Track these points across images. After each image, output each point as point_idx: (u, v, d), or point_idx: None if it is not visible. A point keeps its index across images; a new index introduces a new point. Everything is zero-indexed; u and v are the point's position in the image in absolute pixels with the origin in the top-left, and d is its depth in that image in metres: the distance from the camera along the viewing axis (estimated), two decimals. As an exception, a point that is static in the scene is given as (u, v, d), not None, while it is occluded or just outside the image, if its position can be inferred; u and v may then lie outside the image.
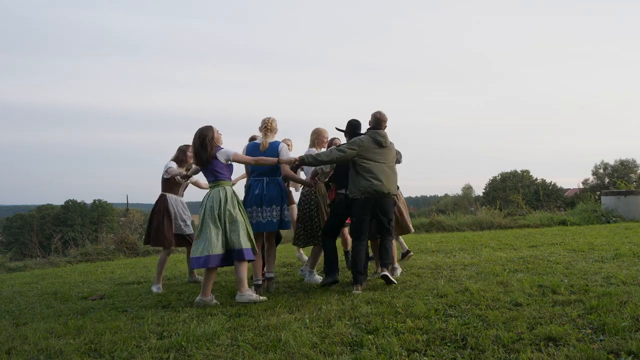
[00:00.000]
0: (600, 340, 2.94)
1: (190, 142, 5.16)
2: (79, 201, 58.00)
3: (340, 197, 5.26)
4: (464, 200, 47.35)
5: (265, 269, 5.27)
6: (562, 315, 3.47)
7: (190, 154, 5.77)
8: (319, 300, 4.48)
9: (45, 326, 4.08)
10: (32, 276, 8.03)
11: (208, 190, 4.82)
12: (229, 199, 4.67)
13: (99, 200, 59.79)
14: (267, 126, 5.13)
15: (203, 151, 4.68)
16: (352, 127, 5.32)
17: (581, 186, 41.73)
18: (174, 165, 5.85)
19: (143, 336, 3.58)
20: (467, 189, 62.25)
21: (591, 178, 48.20)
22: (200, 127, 4.78)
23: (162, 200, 5.82)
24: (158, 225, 5.73)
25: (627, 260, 5.62)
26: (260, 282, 5.09)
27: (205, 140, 4.68)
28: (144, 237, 6.09)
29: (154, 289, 5.55)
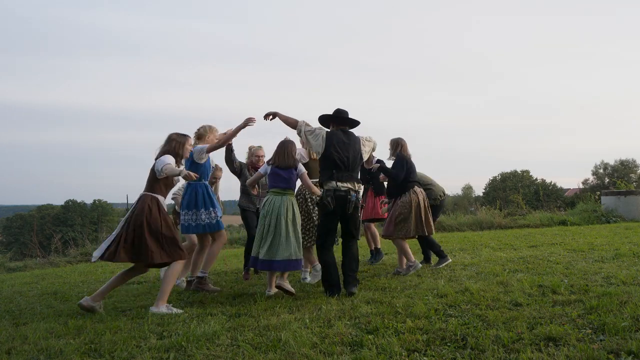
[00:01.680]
0: (600, 340, 2.94)
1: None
2: (79, 201, 58.07)
3: (329, 194, 4.72)
4: (464, 200, 47.27)
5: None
6: (562, 315, 3.47)
7: (190, 147, 4.83)
8: (319, 300, 4.48)
9: (45, 326, 4.08)
10: (32, 276, 8.04)
11: (274, 195, 4.94)
12: (296, 209, 4.99)
13: (99, 200, 59.83)
14: (195, 132, 5.41)
15: (287, 159, 4.95)
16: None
17: (581, 186, 41.78)
18: (172, 161, 4.56)
19: (143, 336, 3.58)
20: (467, 189, 62.24)
21: (591, 178, 48.27)
22: (284, 140, 5.08)
23: (157, 204, 4.53)
24: (173, 236, 4.50)
25: (627, 260, 5.62)
26: (192, 279, 5.40)
27: (287, 150, 4.99)
28: (153, 254, 4.34)
29: (164, 309, 4.35)
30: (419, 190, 5.82)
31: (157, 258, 4.34)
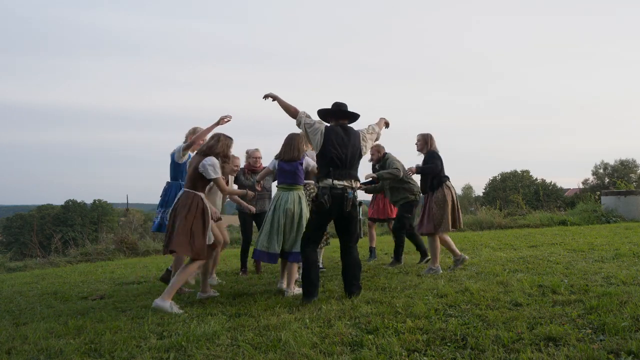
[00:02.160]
0: (600, 340, 2.94)
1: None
2: (79, 201, 58.11)
3: (324, 193, 4.49)
4: (464, 200, 47.25)
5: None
6: (562, 315, 3.47)
7: (231, 150, 4.82)
8: (319, 300, 4.47)
9: (45, 326, 4.08)
10: (32, 276, 8.04)
11: (282, 190, 5.05)
12: (304, 204, 5.06)
13: (99, 200, 59.86)
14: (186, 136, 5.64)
15: (292, 152, 5.03)
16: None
17: (581, 186, 41.80)
18: (218, 165, 4.58)
19: (143, 336, 3.58)
20: (467, 189, 62.21)
21: (591, 178, 48.28)
22: (292, 133, 5.14)
23: (197, 202, 4.52)
24: (203, 236, 4.50)
25: (627, 260, 5.62)
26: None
27: (294, 143, 5.06)
28: (176, 242, 4.39)
29: (167, 305, 4.36)
30: (451, 184, 5.92)
31: (178, 246, 4.37)
